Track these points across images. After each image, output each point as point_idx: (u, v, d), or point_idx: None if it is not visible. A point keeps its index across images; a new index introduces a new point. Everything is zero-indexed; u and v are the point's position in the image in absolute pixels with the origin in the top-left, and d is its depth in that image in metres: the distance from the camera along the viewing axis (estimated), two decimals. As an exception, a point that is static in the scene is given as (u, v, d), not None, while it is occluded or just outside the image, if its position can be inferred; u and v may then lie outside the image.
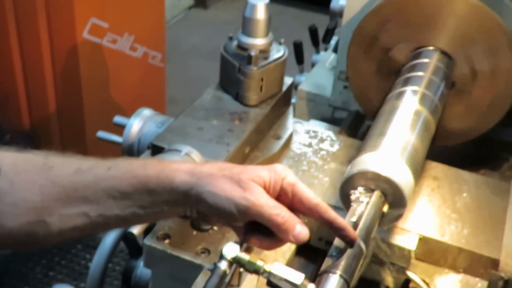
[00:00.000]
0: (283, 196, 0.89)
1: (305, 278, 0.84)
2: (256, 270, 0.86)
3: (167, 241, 1.17)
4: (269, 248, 0.91)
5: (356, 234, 0.89)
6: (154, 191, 0.88)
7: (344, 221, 0.88)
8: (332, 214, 0.87)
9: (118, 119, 1.43)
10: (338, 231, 0.88)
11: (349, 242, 0.88)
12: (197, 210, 0.89)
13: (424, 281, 1.18)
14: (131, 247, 1.40)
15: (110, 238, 1.39)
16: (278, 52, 1.42)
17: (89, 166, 0.90)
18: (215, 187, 0.86)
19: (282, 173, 0.89)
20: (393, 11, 1.36)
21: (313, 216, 0.88)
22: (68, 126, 2.90)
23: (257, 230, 0.89)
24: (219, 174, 0.88)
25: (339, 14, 1.75)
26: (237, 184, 0.86)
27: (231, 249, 0.86)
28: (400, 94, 1.25)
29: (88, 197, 0.88)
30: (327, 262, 0.88)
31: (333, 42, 2.09)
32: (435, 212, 1.27)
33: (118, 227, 1.24)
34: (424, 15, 1.34)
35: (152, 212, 0.90)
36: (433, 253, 1.21)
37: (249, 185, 0.86)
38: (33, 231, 0.88)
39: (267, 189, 0.88)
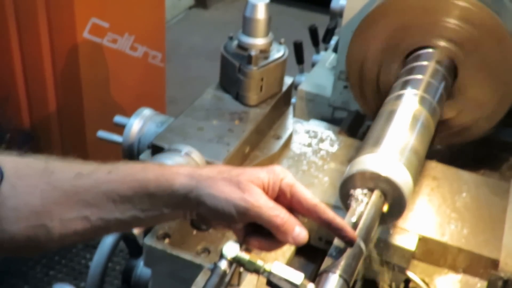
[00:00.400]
0: (281, 197, 0.89)
1: (305, 277, 0.84)
2: (256, 270, 0.86)
3: (167, 240, 1.17)
4: (269, 249, 0.91)
5: (355, 233, 0.90)
6: (154, 195, 0.88)
7: (343, 221, 0.88)
8: (331, 215, 0.87)
9: (118, 118, 1.43)
10: (337, 231, 0.88)
11: (349, 242, 0.88)
12: (197, 213, 0.90)
13: (423, 281, 1.18)
14: (131, 246, 1.40)
15: (110, 237, 1.40)
16: (278, 52, 1.42)
17: (90, 170, 0.90)
18: (214, 189, 0.87)
19: (280, 174, 0.89)
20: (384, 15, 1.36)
21: (312, 217, 0.88)
22: (68, 126, 2.90)
23: (257, 232, 0.89)
24: (218, 176, 0.88)
25: (339, 14, 1.75)
26: (236, 186, 0.86)
27: (231, 249, 0.86)
28: (400, 95, 1.25)
29: (88, 200, 0.88)
30: (327, 261, 0.89)
31: (333, 42, 2.09)
32: (434, 212, 1.27)
33: (119, 231, 1.24)
34: (422, 15, 1.34)
35: (152, 215, 0.90)
36: (432, 253, 1.21)
37: (248, 187, 0.86)
38: (35, 235, 0.89)
39: (266, 190, 0.88)
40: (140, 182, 0.88)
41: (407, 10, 1.35)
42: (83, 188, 0.89)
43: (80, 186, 0.89)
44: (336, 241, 0.91)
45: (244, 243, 0.88)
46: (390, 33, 1.38)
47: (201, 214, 0.89)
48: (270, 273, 0.85)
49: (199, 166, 1.17)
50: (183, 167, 0.93)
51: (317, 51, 2.17)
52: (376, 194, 1.02)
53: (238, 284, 1.09)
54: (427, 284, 1.18)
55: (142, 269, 1.37)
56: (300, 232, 0.86)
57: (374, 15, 1.38)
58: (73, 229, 0.89)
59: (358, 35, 1.42)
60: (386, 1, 1.37)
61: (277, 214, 0.85)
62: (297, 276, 0.84)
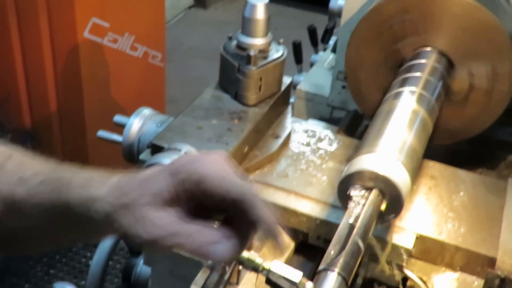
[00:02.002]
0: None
1: (304, 276, 0.85)
2: (255, 268, 0.86)
3: (167, 239, 1.18)
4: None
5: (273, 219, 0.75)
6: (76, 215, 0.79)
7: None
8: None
9: (118, 118, 1.44)
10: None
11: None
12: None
13: (421, 279, 1.19)
14: (131, 245, 1.41)
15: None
16: (277, 52, 1.43)
17: (29, 175, 0.83)
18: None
19: (179, 175, 0.74)
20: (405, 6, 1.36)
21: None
22: (69, 125, 2.91)
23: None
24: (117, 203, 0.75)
25: (337, 14, 1.76)
26: (132, 217, 0.74)
27: (230, 247, 0.87)
28: (398, 94, 1.26)
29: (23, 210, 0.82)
30: (325, 260, 0.89)
31: (331, 42, 2.10)
32: (432, 211, 1.28)
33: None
34: (423, 16, 1.35)
35: (76, 231, 0.83)
36: (430, 251, 1.22)
37: (143, 218, 0.73)
38: None
39: (172, 202, 0.74)
40: (61, 200, 0.79)
41: (404, 10, 1.36)
42: (19, 197, 0.82)
43: (17, 195, 0.82)
44: (335, 240, 0.92)
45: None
46: (387, 38, 1.39)
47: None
48: (269, 271, 0.85)
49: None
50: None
51: (316, 51, 2.17)
52: (374, 193, 1.03)
53: (237, 282, 1.10)
54: (424, 282, 1.19)
55: (142, 267, 1.38)
56: (215, 250, 0.73)
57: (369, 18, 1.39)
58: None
59: (353, 40, 1.42)
60: (380, 4, 1.37)
61: (182, 242, 0.73)
62: (295, 274, 0.84)
